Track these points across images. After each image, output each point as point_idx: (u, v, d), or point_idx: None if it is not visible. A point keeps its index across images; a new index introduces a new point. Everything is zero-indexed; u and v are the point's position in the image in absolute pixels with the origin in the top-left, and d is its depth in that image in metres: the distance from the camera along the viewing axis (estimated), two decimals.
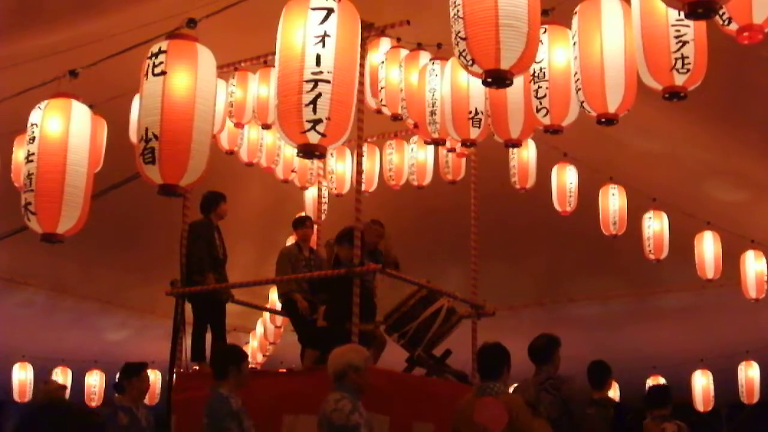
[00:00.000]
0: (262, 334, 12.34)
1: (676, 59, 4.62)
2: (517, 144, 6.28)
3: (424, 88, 6.61)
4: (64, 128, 5.29)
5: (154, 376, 13.23)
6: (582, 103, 5.15)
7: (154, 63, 4.76)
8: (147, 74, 4.77)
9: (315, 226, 8.62)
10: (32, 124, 5.35)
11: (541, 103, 5.46)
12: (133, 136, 6.72)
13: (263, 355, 12.58)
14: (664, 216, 9.70)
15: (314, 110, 4.26)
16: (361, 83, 6.11)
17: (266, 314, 11.62)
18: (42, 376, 12.30)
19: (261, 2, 5.59)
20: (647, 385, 10.90)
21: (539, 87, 5.45)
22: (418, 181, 8.79)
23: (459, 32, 4.28)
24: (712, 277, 10.01)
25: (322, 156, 4.59)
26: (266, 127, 7.99)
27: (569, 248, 11.54)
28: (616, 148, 9.55)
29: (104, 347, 13.71)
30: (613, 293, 12.63)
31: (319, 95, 4.26)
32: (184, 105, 4.70)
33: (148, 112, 4.73)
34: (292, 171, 9.21)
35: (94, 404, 14.01)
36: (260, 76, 7.81)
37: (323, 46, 4.31)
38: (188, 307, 7.44)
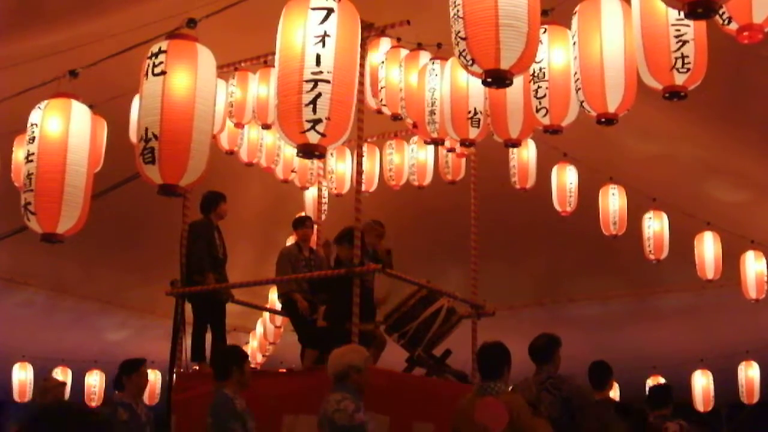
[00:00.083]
0: (262, 334, 12.34)
1: (676, 59, 4.62)
2: (516, 144, 6.29)
3: (423, 88, 6.61)
4: (64, 128, 5.29)
5: (154, 376, 13.25)
6: (582, 103, 5.15)
7: (154, 63, 4.76)
8: (147, 74, 4.77)
9: (315, 226, 8.62)
10: (32, 124, 5.36)
11: (540, 103, 5.46)
12: (133, 136, 6.71)
13: (263, 355, 12.57)
14: (664, 216, 9.70)
15: (314, 110, 4.25)
16: (361, 83, 6.12)
17: (266, 314, 11.62)
18: (42, 376, 12.29)
19: (261, 2, 5.59)
20: (647, 385, 10.91)
21: (539, 87, 5.45)
22: (418, 181, 8.79)
23: (459, 32, 4.28)
24: (712, 277, 10.01)
25: (321, 156, 4.58)
26: (266, 127, 7.99)
27: (569, 248, 11.54)
28: (616, 148, 9.55)
29: (104, 347, 13.70)
30: (613, 293, 12.63)
31: (319, 95, 4.26)
32: (184, 105, 4.70)
33: (148, 112, 4.73)
34: (292, 171, 9.20)
35: (94, 404, 14.00)
36: (260, 76, 7.81)
37: (323, 46, 4.30)
38: (188, 307, 7.44)
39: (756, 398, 13.39)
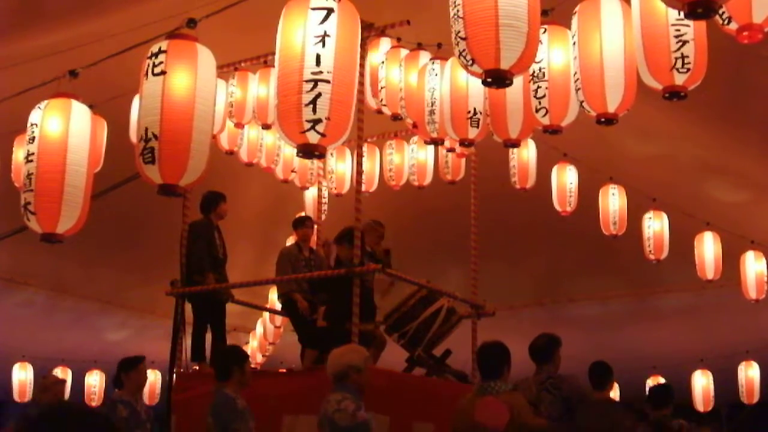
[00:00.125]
0: (261, 334, 12.34)
1: (676, 59, 4.62)
2: (516, 144, 6.29)
3: (423, 88, 6.61)
4: (64, 128, 5.28)
5: (154, 376, 13.26)
6: (581, 103, 5.15)
7: (154, 63, 4.75)
8: (147, 74, 4.77)
9: (315, 226, 8.62)
10: (32, 124, 5.35)
11: (540, 103, 5.46)
12: (133, 136, 6.71)
13: (263, 355, 12.57)
14: (664, 216, 9.70)
15: (314, 110, 4.25)
16: (361, 83, 6.12)
17: (266, 314, 11.62)
18: (42, 376, 12.28)
19: (261, 2, 5.59)
20: (647, 385, 10.91)
21: (539, 87, 5.44)
22: (418, 181, 8.79)
23: (459, 32, 4.28)
24: (712, 277, 10.01)
25: (321, 156, 4.58)
26: (266, 127, 7.99)
27: (569, 248, 11.54)
28: (616, 148, 9.55)
29: (104, 347, 13.69)
30: (613, 293, 12.63)
31: (319, 95, 4.25)
32: (184, 105, 4.70)
33: (148, 112, 4.72)
34: (292, 171, 9.20)
35: (94, 404, 13.99)
36: (260, 76, 7.81)
37: (323, 46, 4.30)
38: (188, 307, 7.45)
39: (756, 398, 13.38)
